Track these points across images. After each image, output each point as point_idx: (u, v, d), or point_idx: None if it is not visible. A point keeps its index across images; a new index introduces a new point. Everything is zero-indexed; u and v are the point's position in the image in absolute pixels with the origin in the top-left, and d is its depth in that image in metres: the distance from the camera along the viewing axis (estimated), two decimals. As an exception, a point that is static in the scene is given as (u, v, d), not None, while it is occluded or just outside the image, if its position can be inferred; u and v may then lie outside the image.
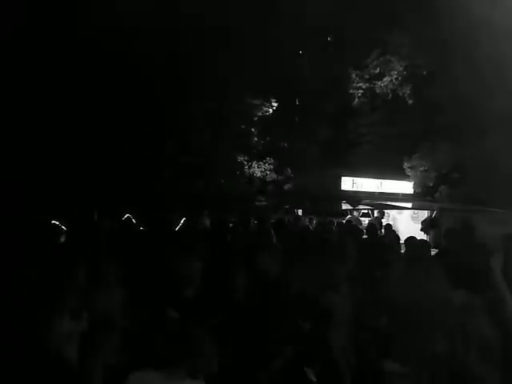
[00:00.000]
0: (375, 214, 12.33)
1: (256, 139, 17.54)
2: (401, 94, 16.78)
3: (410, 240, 5.11)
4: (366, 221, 13.27)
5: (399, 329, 3.79)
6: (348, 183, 15.99)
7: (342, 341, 3.94)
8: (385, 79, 17.01)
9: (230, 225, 8.49)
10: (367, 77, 17.37)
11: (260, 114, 17.69)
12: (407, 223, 13.16)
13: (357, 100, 17.79)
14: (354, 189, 16.02)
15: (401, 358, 3.61)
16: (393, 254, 5.49)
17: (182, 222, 9.25)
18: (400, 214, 13.93)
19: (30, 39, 12.22)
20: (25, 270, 3.43)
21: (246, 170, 17.12)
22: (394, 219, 13.54)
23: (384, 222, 12.12)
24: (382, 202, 15.11)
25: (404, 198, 16.29)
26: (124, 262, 4.09)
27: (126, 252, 5.00)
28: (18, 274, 3.38)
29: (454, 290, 3.48)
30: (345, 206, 14.83)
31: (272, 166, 17.40)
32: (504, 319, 3.12)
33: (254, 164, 17.21)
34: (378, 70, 17.08)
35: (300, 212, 14.42)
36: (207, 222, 9.37)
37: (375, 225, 8.97)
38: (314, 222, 11.64)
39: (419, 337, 3.44)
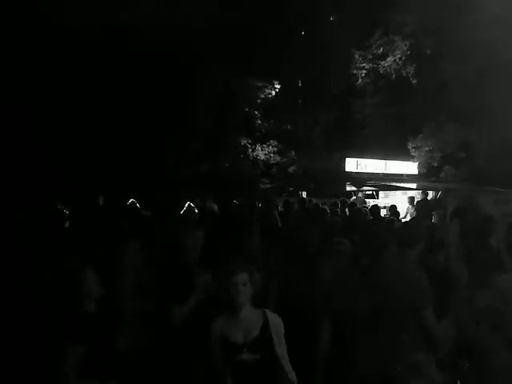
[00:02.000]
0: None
1: (259, 122, 17.45)
2: (405, 73, 16.57)
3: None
4: (370, 202, 13.28)
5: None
6: (352, 164, 15.97)
7: None
8: (388, 59, 16.76)
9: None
10: (370, 57, 17.15)
11: (263, 96, 17.57)
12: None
13: (360, 80, 17.59)
14: (359, 170, 16.00)
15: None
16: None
17: (186, 205, 9.32)
18: (405, 194, 13.95)
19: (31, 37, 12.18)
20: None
21: (250, 153, 17.08)
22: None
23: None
24: (386, 182, 15.12)
25: (409, 178, 16.28)
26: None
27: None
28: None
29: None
30: (349, 188, 14.83)
31: (276, 149, 17.35)
32: None
33: (258, 147, 17.16)
34: (381, 50, 16.85)
35: (304, 194, 14.41)
36: (215, 206, 9.39)
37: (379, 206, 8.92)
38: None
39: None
